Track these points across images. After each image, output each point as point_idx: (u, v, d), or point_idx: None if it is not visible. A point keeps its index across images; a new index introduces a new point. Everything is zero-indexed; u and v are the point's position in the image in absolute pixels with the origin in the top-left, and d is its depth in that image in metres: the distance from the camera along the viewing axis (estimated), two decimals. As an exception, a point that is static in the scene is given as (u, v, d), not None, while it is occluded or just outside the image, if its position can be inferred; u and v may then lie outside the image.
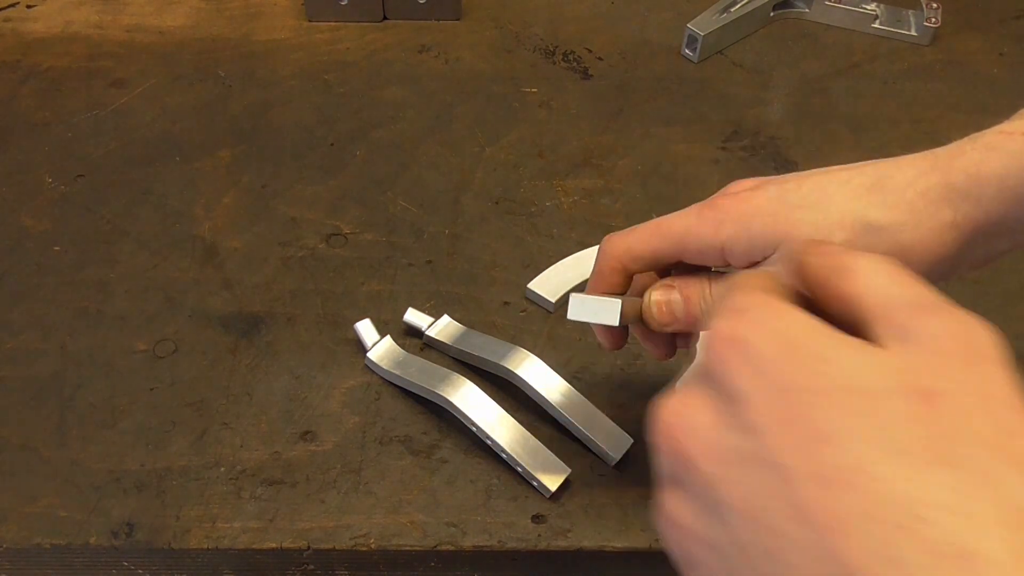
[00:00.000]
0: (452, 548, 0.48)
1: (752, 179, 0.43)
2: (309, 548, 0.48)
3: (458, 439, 0.53)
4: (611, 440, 0.51)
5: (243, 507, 0.49)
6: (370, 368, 0.55)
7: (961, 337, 0.25)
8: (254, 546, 0.48)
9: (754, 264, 0.41)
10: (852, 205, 0.39)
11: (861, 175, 0.40)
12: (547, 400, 0.52)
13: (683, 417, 0.27)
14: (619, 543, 0.48)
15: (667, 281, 0.44)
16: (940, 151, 0.40)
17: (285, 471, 0.51)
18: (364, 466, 0.51)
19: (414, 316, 0.57)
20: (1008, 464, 0.22)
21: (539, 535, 0.49)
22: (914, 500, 0.22)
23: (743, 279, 0.29)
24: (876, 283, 0.27)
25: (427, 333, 0.56)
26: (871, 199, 0.39)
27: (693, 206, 0.43)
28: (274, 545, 0.48)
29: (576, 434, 0.52)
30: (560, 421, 0.52)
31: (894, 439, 0.23)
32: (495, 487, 0.50)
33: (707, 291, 0.43)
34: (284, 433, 0.53)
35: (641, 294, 0.44)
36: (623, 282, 0.45)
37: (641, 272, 0.45)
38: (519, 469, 0.50)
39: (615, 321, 0.41)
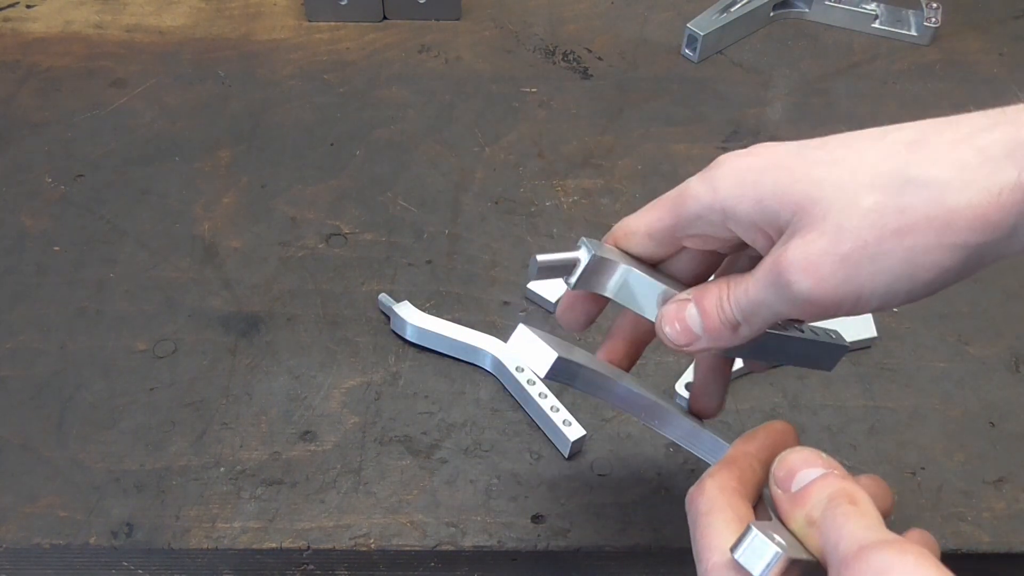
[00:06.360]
0: (452, 548, 0.48)
1: (778, 143, 0.38)
2: (309, 548, 0.48)
3: (458, 439, 0.53)
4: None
5: (243, 507, 0.49)
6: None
7: None
8: (254, 546, 0.48)
9: (766, 236, 0.35)
10: (887, 162, 0.33)
11: (900, 131, 0.34)
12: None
13: None
14: (619, 543, 0.48)
15: (682, 295, 0.38)
16: (1007, 109, 0.33)
17: (285, 471, 0.51)
18: (364, 466, 0.51)
19: (382, 299, 0.57)
20: None
21: (539, 535, 0.49)
22: None
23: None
24: None
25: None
26: (910, 156, 0.33)
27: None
28: (274, 545, 0.48)
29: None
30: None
31: None
32: (495, 487, 0.50)
33: (725, 299, 0.37)
34: (284, 433, 0.53)
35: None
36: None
37: (652, 257, 0.40)
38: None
39: (542, 371, 0.38)
